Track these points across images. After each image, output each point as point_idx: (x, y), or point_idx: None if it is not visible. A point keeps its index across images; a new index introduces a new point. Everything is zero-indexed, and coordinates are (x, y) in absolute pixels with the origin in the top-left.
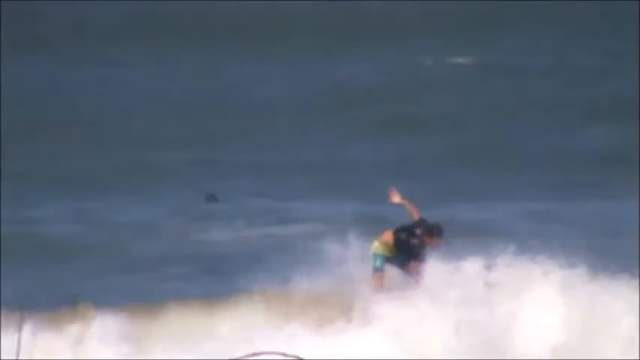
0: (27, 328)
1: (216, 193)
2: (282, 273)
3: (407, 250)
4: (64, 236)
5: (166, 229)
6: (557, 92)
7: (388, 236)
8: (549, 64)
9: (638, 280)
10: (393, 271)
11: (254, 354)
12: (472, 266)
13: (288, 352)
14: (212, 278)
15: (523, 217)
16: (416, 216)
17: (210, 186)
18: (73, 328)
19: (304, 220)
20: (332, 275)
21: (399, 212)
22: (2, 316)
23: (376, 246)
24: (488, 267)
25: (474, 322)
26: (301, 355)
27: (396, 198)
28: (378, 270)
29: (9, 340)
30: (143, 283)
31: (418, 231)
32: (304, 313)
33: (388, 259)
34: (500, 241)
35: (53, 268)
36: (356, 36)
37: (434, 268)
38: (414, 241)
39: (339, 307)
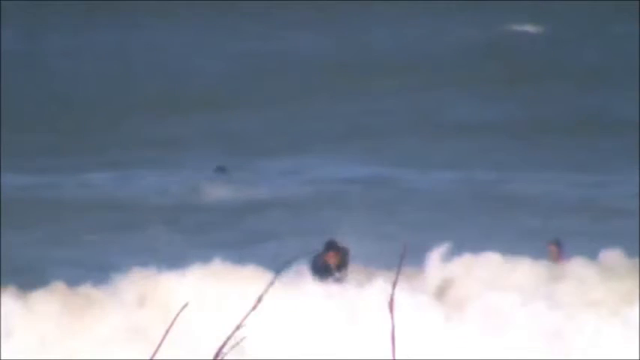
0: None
1: (225, 166)
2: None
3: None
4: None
5: (179, 190)
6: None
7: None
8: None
9: None
10: None
11: None
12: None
13: None
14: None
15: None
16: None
17: (229, 149)
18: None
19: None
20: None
21: (408, 175)
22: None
23: None
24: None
25: None
26: None
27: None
28: None
29: None
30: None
31: (319, 257)
32: None
33: None
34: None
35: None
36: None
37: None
38: (323, 269)
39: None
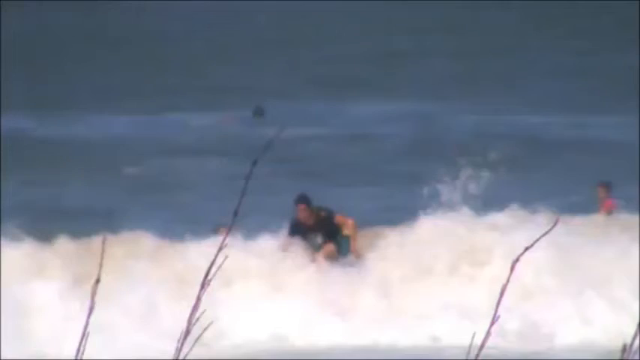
0: None
1: (263, 107)
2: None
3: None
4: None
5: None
6: None
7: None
8: None
9: None
10: None
11: None
12: None
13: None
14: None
15: None
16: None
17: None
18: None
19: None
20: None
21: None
22: None
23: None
24: None
25: None
26: None
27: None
28: None
29: None
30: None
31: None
32: None
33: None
34: None
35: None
36: None
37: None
38: (297, 227)
39: None
